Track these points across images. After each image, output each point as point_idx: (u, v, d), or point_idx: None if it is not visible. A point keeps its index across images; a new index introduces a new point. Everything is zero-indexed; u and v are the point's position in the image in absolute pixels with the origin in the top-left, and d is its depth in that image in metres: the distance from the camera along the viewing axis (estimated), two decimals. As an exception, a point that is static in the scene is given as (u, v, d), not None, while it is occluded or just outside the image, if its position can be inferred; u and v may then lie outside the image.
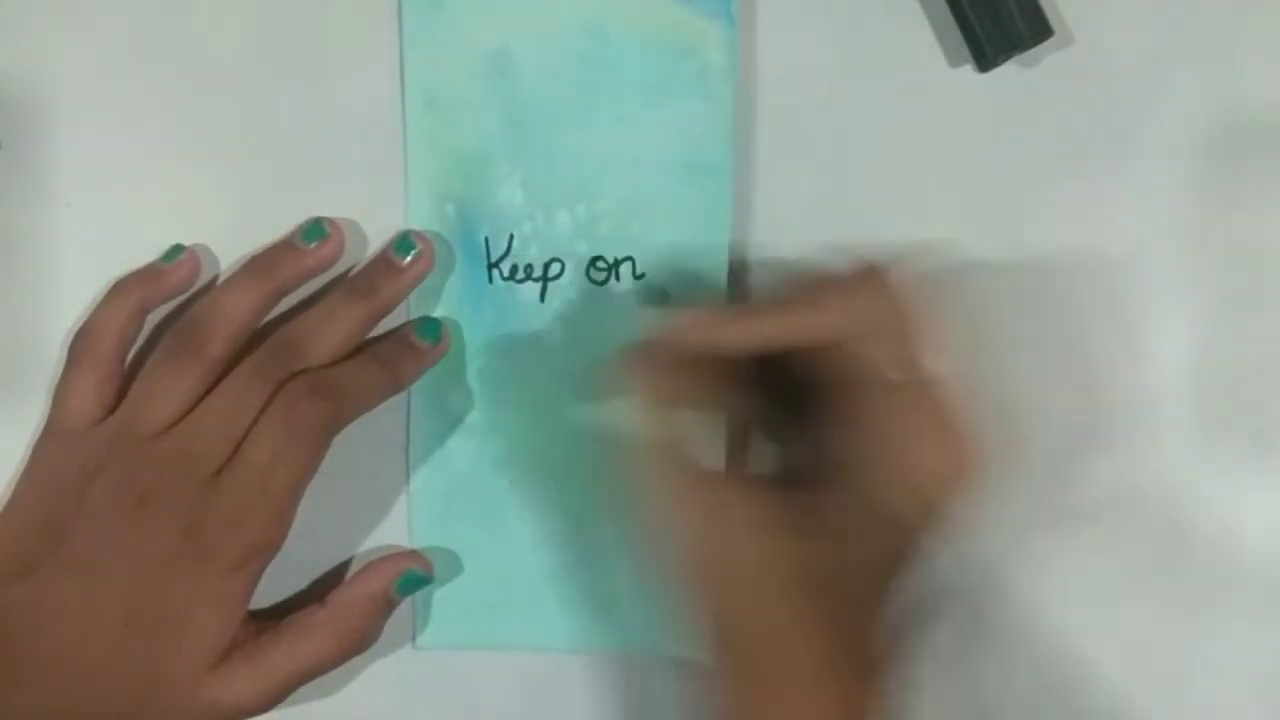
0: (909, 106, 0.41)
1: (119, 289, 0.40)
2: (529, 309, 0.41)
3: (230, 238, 0.41)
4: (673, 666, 0.42)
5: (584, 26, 0.41)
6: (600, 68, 0.41)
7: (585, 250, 0.41)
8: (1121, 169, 0.42)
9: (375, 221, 0.41)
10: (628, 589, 0.42)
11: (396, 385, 0.40)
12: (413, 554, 0.41)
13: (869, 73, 0.41)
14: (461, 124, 0.41)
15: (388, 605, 0.40)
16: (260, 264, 0.40)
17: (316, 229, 0.40)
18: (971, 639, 0.42)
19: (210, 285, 0.41)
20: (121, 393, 0.39)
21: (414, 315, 0.41)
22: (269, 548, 0.37)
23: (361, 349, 0.40)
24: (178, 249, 0.40)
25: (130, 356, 0.40)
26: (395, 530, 0.42)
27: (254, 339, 0.39)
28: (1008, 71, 0.41)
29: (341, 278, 0.41)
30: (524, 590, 0.42)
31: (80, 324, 0.40)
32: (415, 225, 0.41)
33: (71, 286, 0.41)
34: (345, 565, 0.42)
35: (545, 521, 0.42)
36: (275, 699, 0.38)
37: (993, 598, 0.42)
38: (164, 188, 0.41)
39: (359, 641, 0.39)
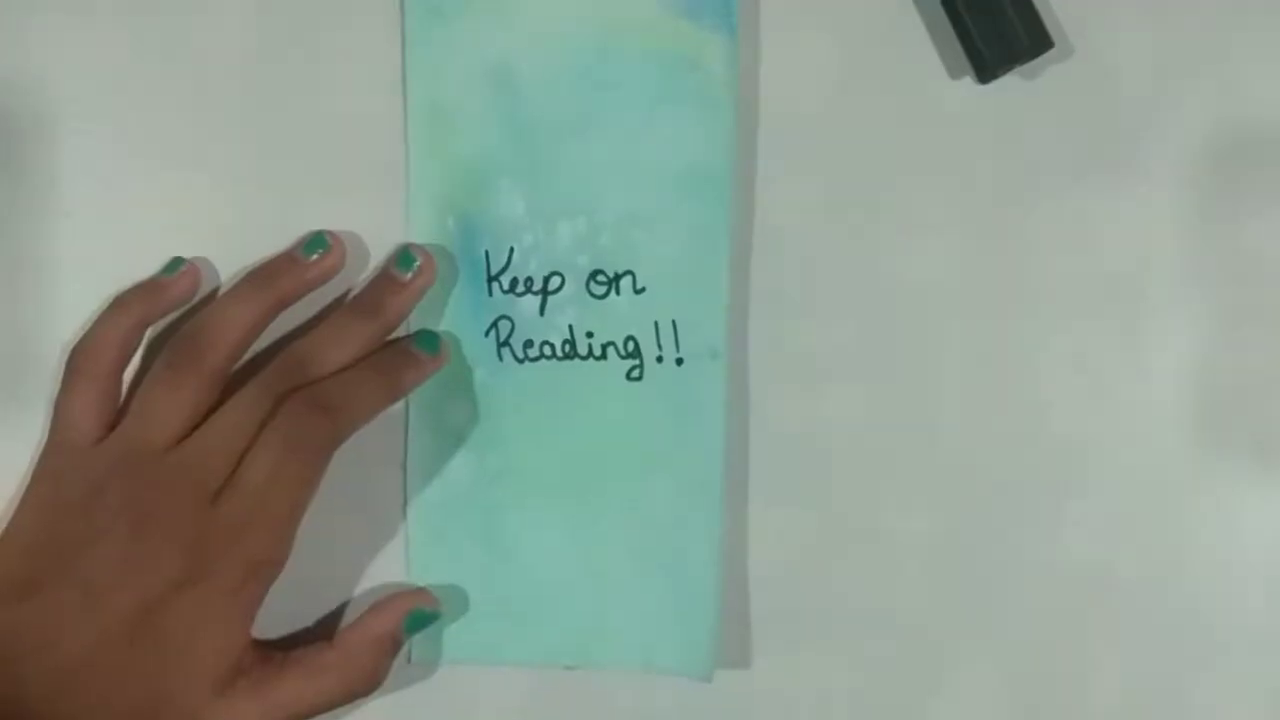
0: (910, 118, 0.41)
1: (119, 303, 0.40)
2: (529, 322, 0.41)
3: (231, 249, 0.41)
4: (669, 682, 0.41)
5: (586, 39, 0.41)
6: (602, 80, 0.41)
7: (586, 263, 0.41)
8: (1123, 181, 0.42)
9: (377, 233, 0.41)
10: (625, 604, 0.41)
11: (395, 396, 0.40)
12: (419, 592, 0.41)
13: (870, 84, 0.41)
14: (463, 136, 0.41)
15: (394, 645, 0.40)
16: (261, 275, 0.40)
17: (318, 241, 0.40)
18: (970, 644, 0.42)
19: (211, 296, 0.41)
20: (123, 407, 0.39)
21: (415, 327, 0.41)
22: (271, 566, 0.37)
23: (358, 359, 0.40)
24: (178, 261, 0.40)
25: (130, 370, 0.40)
26: (392, 545, 0.41)
27: (259, 357, 0.40)
28: (1008, 83, 0.41)
29: (346, 295, 0.41)
30: (522, 604, 0.41)
31: (79, 338, 0.40)
32: (417, 238, 0.41)
33: (71, 297, 0.41)
34: (350, 588, 0.41)
35: (544, 536, 0.41)
36: None
37: (993, 605, 0.42)
38: (164, 198, 0.41)
39: (367, 684, 0.39)
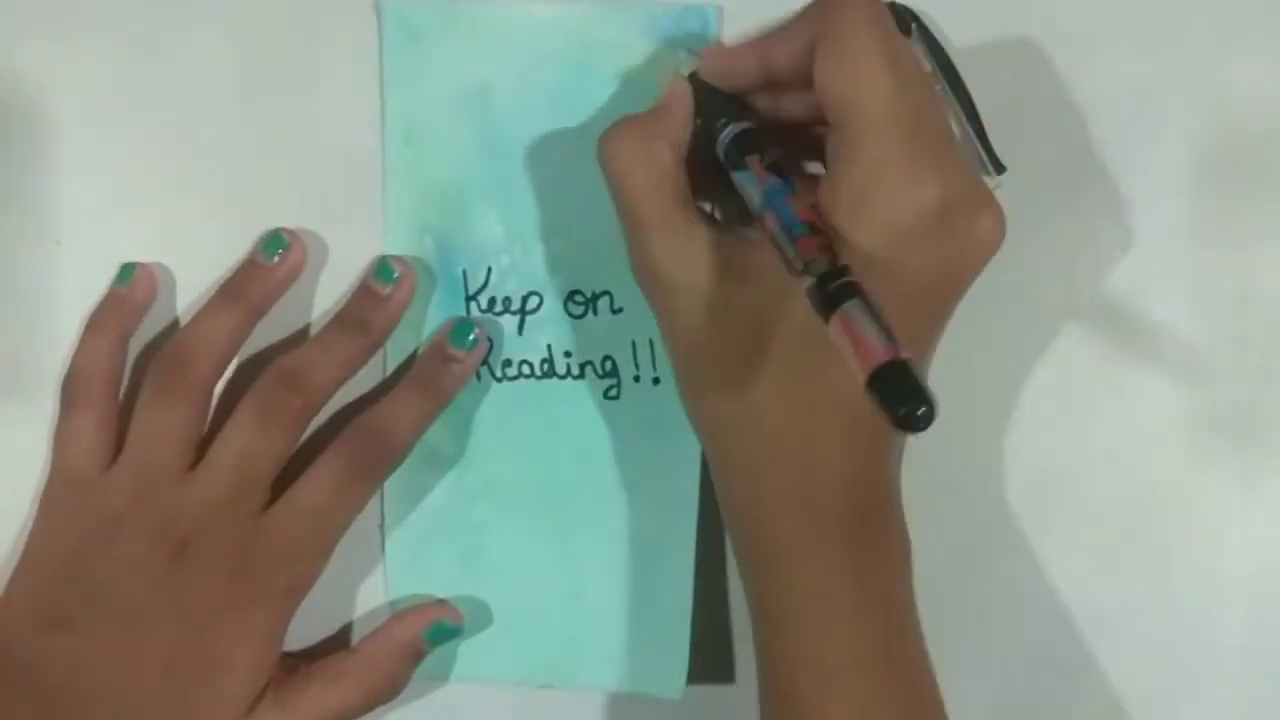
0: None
1: (93, 326, 0.41)
2: (507, 341, 0.41)
3: (217, 272, 0.41)
4: (648, 703, 0.41)
5: (563, 61, 0.41)
6: (579, 102, 0.41)
7: (563, 284, 0.41)
8: (1110, 210, 0.41)
9: (356, 254, 0.41)
10: (600, 623, 0.42)
11: (442, 404, 0.40)
12: (443, 605, 0.41)
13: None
14: (440, 159, 0.41)
15: (416, 655, 0.40)
16: (231, 287, 0.40)
17: (276, 241, 0.40)
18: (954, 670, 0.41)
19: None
20: (122, 428, 0.39)
21: (390, 349, 0.41)
22: (310, 582, 0.38)
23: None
24: (128, 268, 0.41)
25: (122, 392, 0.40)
26: (371, 565, 0.42)
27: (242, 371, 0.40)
28: (994, 110, 0.40)
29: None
30: (498, 623, 0.42)
31: (67, 368, 0.40)
32: (395, 257, 0.41)
33: (60, 325, 0.41)
34: (330, 609, 0.42)
35: (521, 556, 0.42)
36: None
37: (977, 633, 0.42)
38: (152, 225, 0.41)
39: (386, 690, 0.40)
